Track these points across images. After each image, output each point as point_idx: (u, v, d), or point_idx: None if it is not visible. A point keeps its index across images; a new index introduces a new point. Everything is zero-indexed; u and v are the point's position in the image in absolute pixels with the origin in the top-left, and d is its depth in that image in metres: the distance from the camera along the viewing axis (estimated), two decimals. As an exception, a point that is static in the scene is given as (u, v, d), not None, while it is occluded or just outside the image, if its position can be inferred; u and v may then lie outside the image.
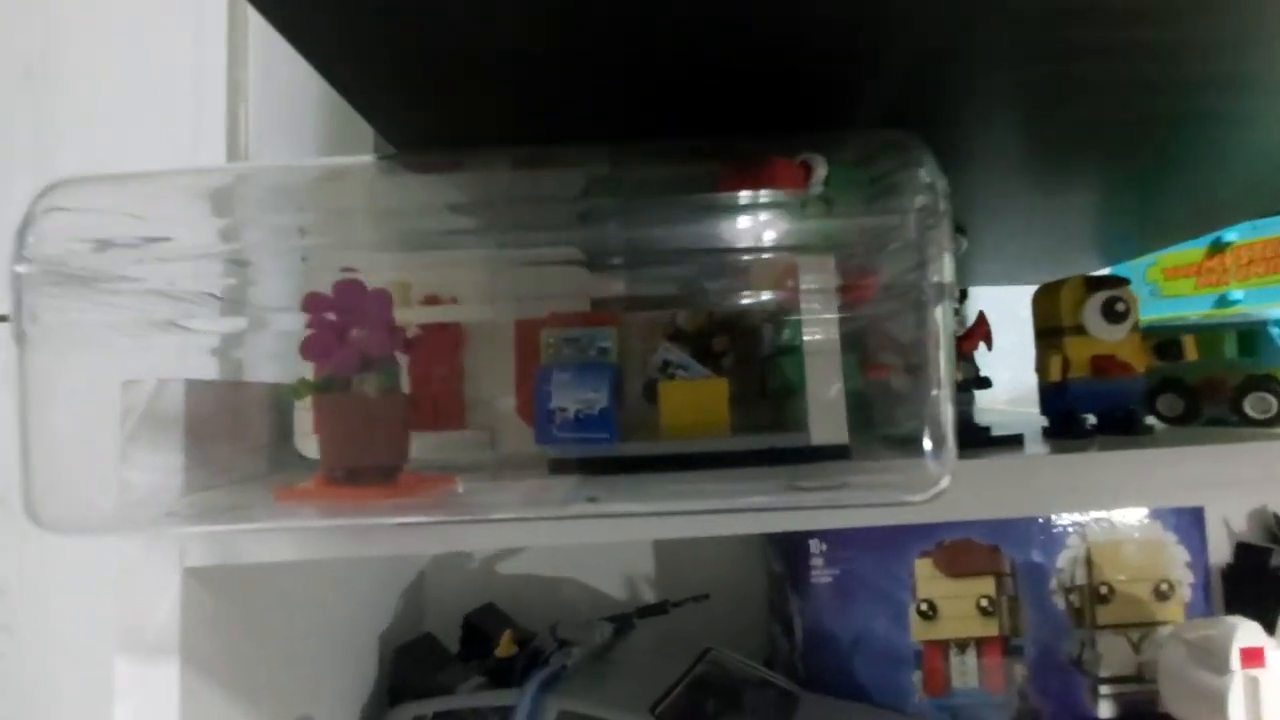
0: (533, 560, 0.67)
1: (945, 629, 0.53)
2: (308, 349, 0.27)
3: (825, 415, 0.25)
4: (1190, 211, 0.42)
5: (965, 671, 0.53)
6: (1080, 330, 0.37)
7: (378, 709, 0.51)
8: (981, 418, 0.38)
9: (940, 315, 0.22)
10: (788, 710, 0.47)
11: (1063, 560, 0.54)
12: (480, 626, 0.58)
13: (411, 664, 0.51)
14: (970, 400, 0.37)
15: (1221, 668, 0.41)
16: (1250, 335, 0.38)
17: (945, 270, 0.21)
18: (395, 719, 0.48)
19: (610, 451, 0.25)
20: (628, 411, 0.28)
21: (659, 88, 0.26)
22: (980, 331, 0.38)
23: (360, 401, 0.26)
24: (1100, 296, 0.37)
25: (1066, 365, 0.37)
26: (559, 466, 0.25)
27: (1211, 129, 0.31)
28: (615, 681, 0.46)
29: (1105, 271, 0.57)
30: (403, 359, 0.31)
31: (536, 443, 0.24)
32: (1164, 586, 0.53)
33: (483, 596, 0.63)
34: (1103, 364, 0.37)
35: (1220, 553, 0.60)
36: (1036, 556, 0.54)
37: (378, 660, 0.53)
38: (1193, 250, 0.48)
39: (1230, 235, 0.46)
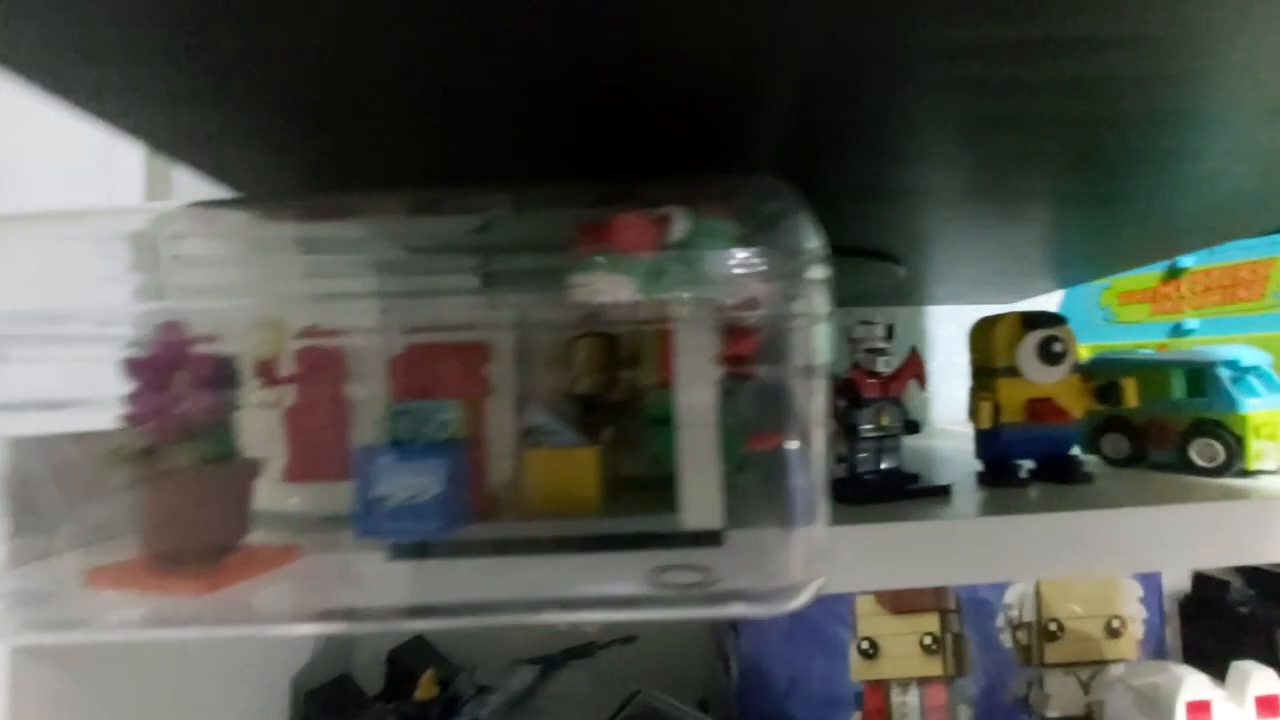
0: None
1: (887, 668, 0.50)
2: (130, 416, 0.24)
3: (697, 495, 0.22)
4: (1140, 239, 0.39)
5: (907, 712, 0.51)
6: (1014, 371, 0.34)
7: (285, 757, 0.48)
8: (935, 441, 0.36)
9: (811, 394, 0.19)
10: (714, 759, 0.45)
11: (1011, 596, 0.51)
12: (404, 664, 0.55)
13: (321, 709, 0.49)
14: (897, 447, 0.35)
15: (1166, 721, 0.38)
16: (1198, 376, 0.35)
17: (812, 347, 0.18)
18: (301, 770, 0.45)
19: (455, 537, 0.22)
20: (498, 487, 0.25)
21: (540, 132, 0.23)
22: (909, 371, 0.35)
23: (172, 475, 0.23)
24: (1035, 337, 0.34)
25: (998, 411, 0.34)
26: (400, 552, 0.22)
27: (1153, 162, 0.28)
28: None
29: (1059, 294, 0.55)
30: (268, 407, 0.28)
31: (356, 535, 0.21)
32: (1115, 623, 0.51)
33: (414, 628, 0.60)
34: (1038, 408, 0.34)
35: (1179, 583, 0.58)
36: (984, 592, 0.51)
37: (290, 704, 0.50)
38: (1148, 275, 0.45)
39: (1186, 260, 0.43)
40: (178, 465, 0.24)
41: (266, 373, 0.28)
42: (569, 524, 0.22)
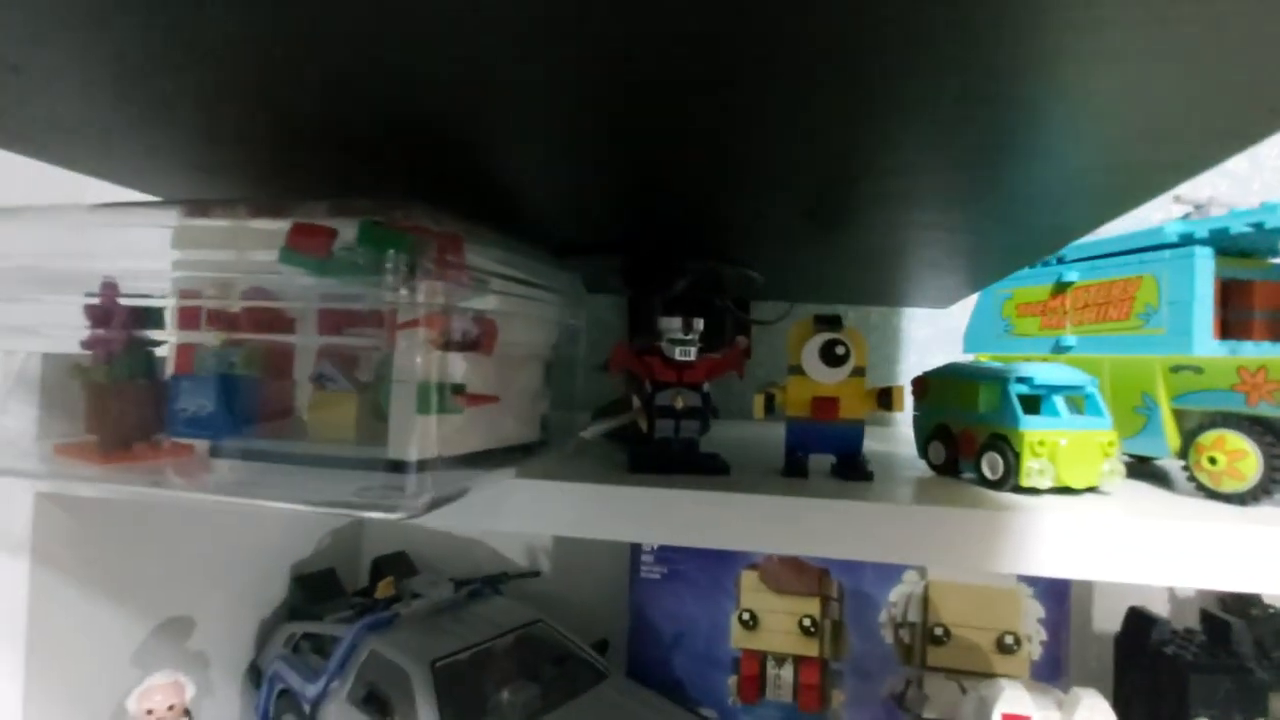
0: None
1: (764, 641, 0.54)
2: (83, 344, 0.36)
3: (398, 434, 0.29)
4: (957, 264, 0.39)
5: (780, 685, 0.54)
6: (802, 370, 0.37)
7: (277, 622, 0.61)
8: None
9: (412, 347, 0.26)
10: (583, 686, 0.51)
11: (896, 595, 0.53)
12: (384, 568, 0.67)
13: (305, 592, 0.62)
14: (695, 428, 0.39)
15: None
16: (997, 391, 0.35)
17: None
18: (277, 633, 0.58)
19: (241, 445, 0.31)
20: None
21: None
22: (723, 363, 0.39)
23: (95, 386, 0.34)
24: (819, 339, 0.36)
25: (769, 403, 0.37)
26: (214, 452, 0.32)
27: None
28: (428, 634, 0.52)
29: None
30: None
31: (166, 432, 0.31)
32: (1009, 639, 0.50)
33: (412, 543, 0.73)
34: (821, 406, 0.37)
35: (1115, 617, 0.54)
36: (868, 587, 0.53)
37: (287, 586, 0.64)
38: (1041, 288, 0.44)
39: (1071, 275, 0.41)
40: (104, 379, 0.35)
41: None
42: (311, 445, 0.31)
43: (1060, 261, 0.43)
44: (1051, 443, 0.33)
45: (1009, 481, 0.34)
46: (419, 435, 0.29)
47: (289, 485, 0.30)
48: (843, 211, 0.36)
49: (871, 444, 0.50)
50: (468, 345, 0.32)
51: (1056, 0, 0.17)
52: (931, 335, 0.68)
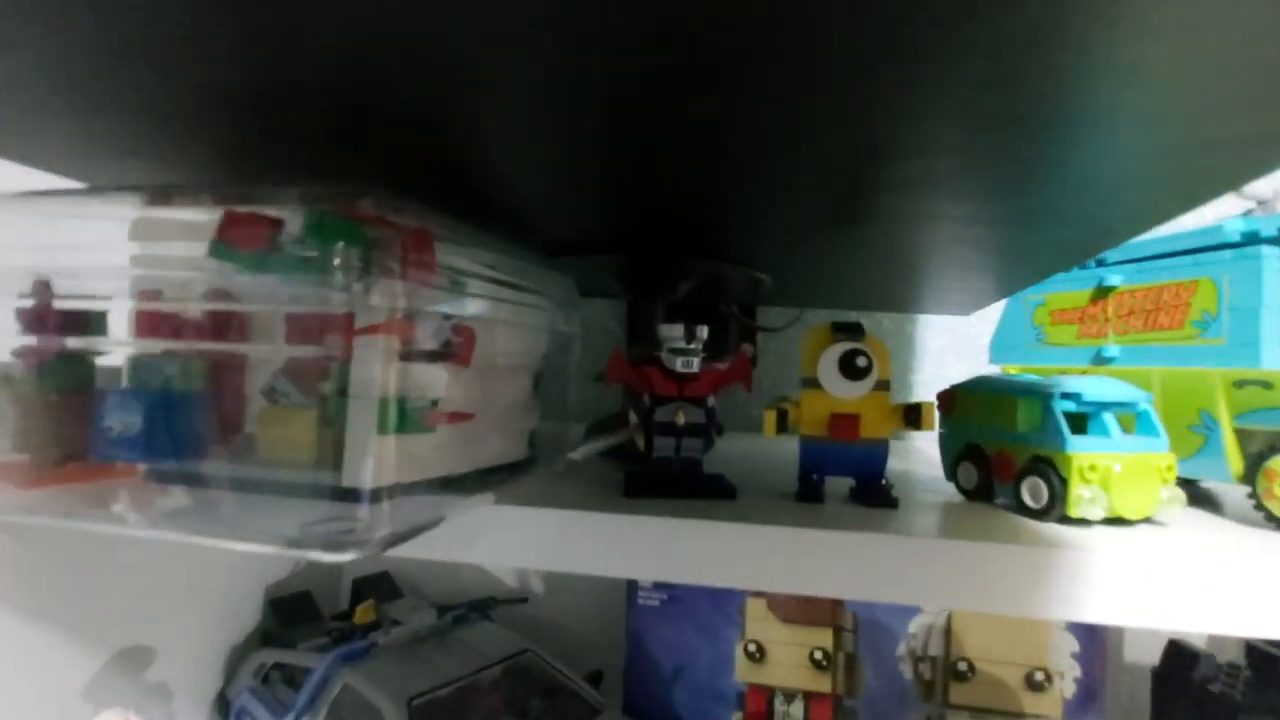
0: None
1: (772, 675, 0.50)
2: (13, 352, 0.32)
3: (355, 458, 0.25)
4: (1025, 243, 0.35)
5: (789, 723, 0.50)
6: (818, 383, 0.33)
7: (249, 649, 0.57)
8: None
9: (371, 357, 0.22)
10: (574, 722, 0.47)
11: (916, 626, 0.48)
12: (364, 592, 0.63)
13: (279, 616, 0.58)
14: (698, 446, 0.35)
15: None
16: (1038, 407, 0.31)
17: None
18: (247, 662, 0.54)
19: (178, 469, 0.27)
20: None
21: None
22: (729, 375, 0.35)
23: (23, 400, 0.30)
24: (838, 349, 0.32)
25: (783, 420, 0.33)
26: (151, 475, 0.28)
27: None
28: (407, 666, 0.48)
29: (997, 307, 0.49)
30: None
31: (90, 453, 0.27)
32: (1039, 676, 0.46)
33: (397, 564, 0.68)
34: (840, 424, 0.33)
35: (1153, 650, 0.50)
36: (884, 617, 0.49)
37: (261, 609, 0.60)
38: (1079, 293, 0.40)
39: (1114, 278, 0.37)
40: (33, 392, 0.31)
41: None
42: (256, 470, 0.27)
43: (1101, 264, 0.39)
44: (1104, 467, 0.29)
45: (1055, 510, 0.30)
46: (376, 459, 0.25)
47: (225, 518, 0.26)
48: (859, 204, 0.32)
49: (890, 462, 0.46)
50: (440, 355, 0.28)
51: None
52: (948, 344, 0.64)
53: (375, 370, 0.24)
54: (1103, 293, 0.38)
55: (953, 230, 0.35)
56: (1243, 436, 0.32)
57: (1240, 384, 0.32)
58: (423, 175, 0.32)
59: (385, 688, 0.45)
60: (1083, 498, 0.29)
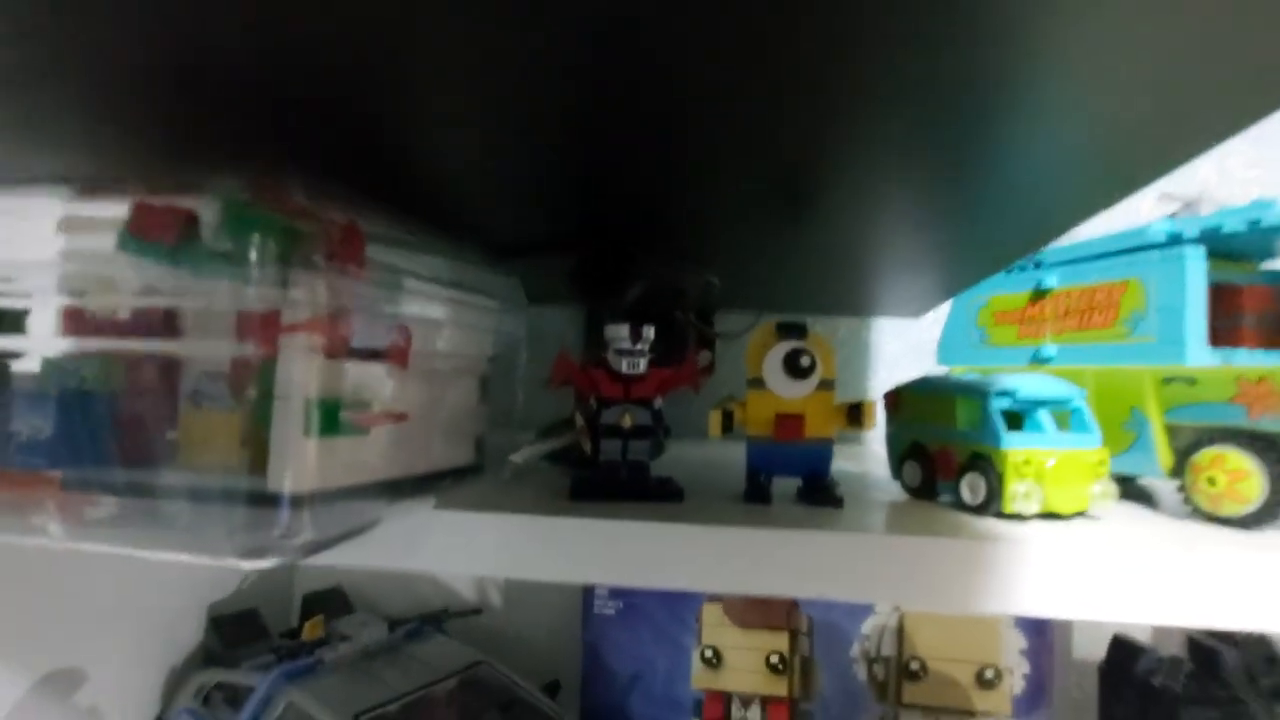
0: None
1: (729, 680, 0.50)
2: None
3: (279, 462, 0.24)
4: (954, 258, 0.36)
5: (747, 729, 0.49)
6: (763, 383, 0.33)
7: (190, 670, 0.55)
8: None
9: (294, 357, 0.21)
10: (528, 737, 0.46)
11: (869, 627, 0.49)
12: (314, 608, 0.61)
13: (222, 635, 0.55)
14: (646, 449, 0.34)
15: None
16: (976, 406, 0.32)
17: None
18: (186, 683, 0.52)
19: (94, 476, 0.26)
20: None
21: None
22: (676, 377, 0.35)
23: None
24: (782, 349, 0.33)
25: (729, 421, 0.33)
26: (68, 483, 0.27)
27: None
28: (355, 682, 0.47)
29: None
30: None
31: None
32: (989, 673, 0.47)
33: (349, 578, 0.67)
34: (785, 424, 0.33)
35: (1099, 646, 0.51)
36: (839, 619, 0.49)
37: (202, 627, 0.57)
38: (1019, 295, 0.41)
39: (1050, 280, 0.39)
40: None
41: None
42: (176, 476, 0.26)
43: (1038, 266, 0.40)
44: (1038, 463, 0.30)
45: (992, 506, 0.31)
46: (298, 463, 0.24)
47: (148, 527, 0.25)
48: (804, 203, 0.32)
49: (841, 463, 0.47)
50: (374, 355, 0.27)
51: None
52: (902, 349, 0.65)
53: (299, 371, 0.23)
54: (1040, 294, 0.39)
55: (896, 226, 0.35)
56: (1172, 432, 0.33)
57: (1168, 381, 0.33)
58: (361, 172, 0.32)
59: (330, 705, 0.43)
60: (1017, 493, 0.30)
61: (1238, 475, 0.30)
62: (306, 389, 0.23)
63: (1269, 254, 0.34)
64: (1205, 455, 0.31)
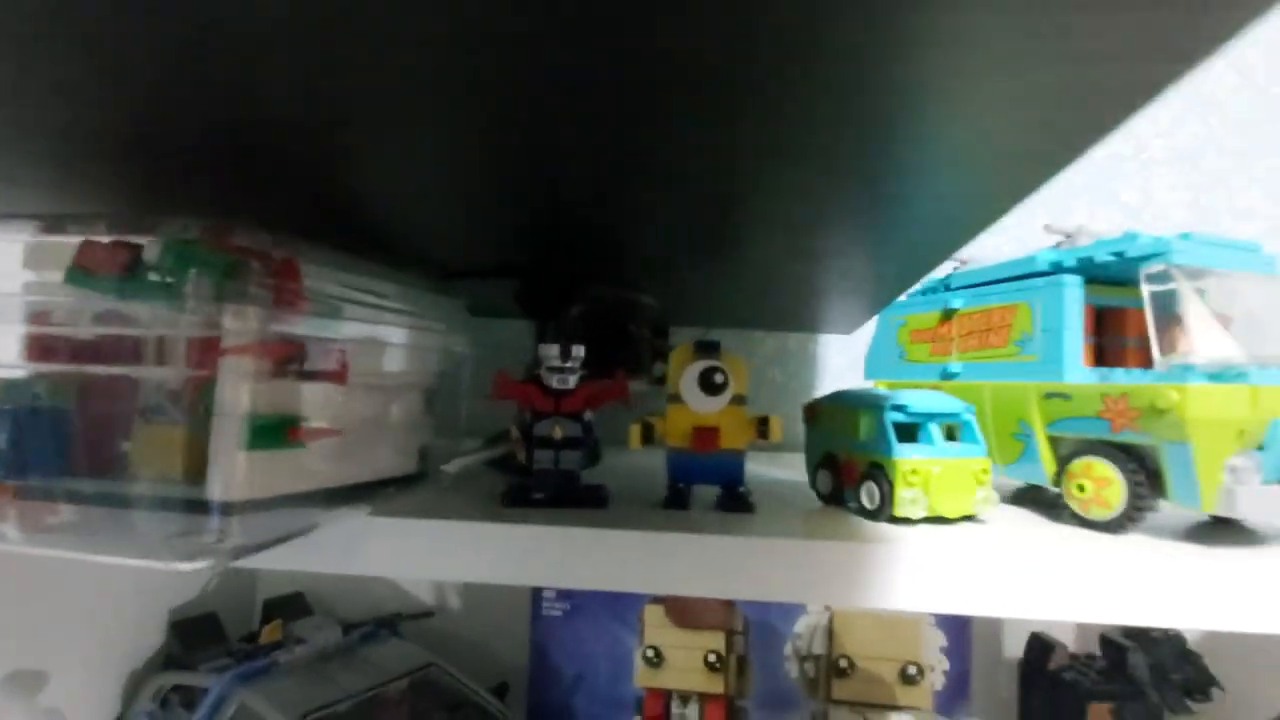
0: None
1: (669, 679, 0.52)
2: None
3: (214, 474, 0.27)
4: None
5: (686, 725, 0.52)
6: (681, 399, 0.36)
7: (150, 673, 0.56)
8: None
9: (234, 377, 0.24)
10: (475, 735, 0.49)
11: (802, 626, 0.51)
12: (274, 612, 0.63)
13: (183, 639, 0.57)
14: (575, 459, 0.37)
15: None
16: (874, 419, 0.35)
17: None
18: (146, 686, 0.53)
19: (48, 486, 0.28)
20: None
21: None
22: (606, 392, 0.38)
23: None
24: (697, 367, 0.35)
25: (649, 433, 0.36)
26: (21, 492, 0.29)
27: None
28: (307, 683, 0.49)
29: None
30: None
31: None
32: (911, 670, 0.50)
33: (310, 583, 0.68)
34: (702, 436, 0.36)
35: (1019, 643, 0.54)
36: (773, 619, 0.52)
37: (164, 632, 0.59)
38: (931, 314, 0.44)
39: (956, 302, 0.42)
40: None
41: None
42: (122, 485, 0.28)
43: (948, 289, 0.44)
44: (924, 471, 0.33)
45: (885, 511, 0.33)
46: (230, 474, 0.26)
47: (96, 533, 0.27)
48: (727, 231, 0.35)
49: (777, 471, 0.49)
50: (310, 374, 0.30)
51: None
52: (847, 362, 0.68)
53: (236, 390, 0.26)
54: (948, 315, 0.42)
55: (815, 251, 0.38)
56: (1054, 443, 0.36)
57: (1049, 396, 0.36)
58: (313, 212, 0.34)
59: (280, 706, 0.45)
60: (905, 499, 0.33)
61: (1103, 483, 0.33)
62: (240, 407, 0.26)
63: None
64: (1078, 464, 0.34)
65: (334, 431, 0.30)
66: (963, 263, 0.43)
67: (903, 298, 0.48)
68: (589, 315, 0.48)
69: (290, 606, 0.64)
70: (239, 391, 0.26)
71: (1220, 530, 0.33)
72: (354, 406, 0.33)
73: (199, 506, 0.26)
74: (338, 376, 0.31)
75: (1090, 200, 0.68)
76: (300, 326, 0.28)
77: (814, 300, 0.47)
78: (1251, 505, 0.29)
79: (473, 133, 0.24)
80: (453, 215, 0.35)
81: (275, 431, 0.28)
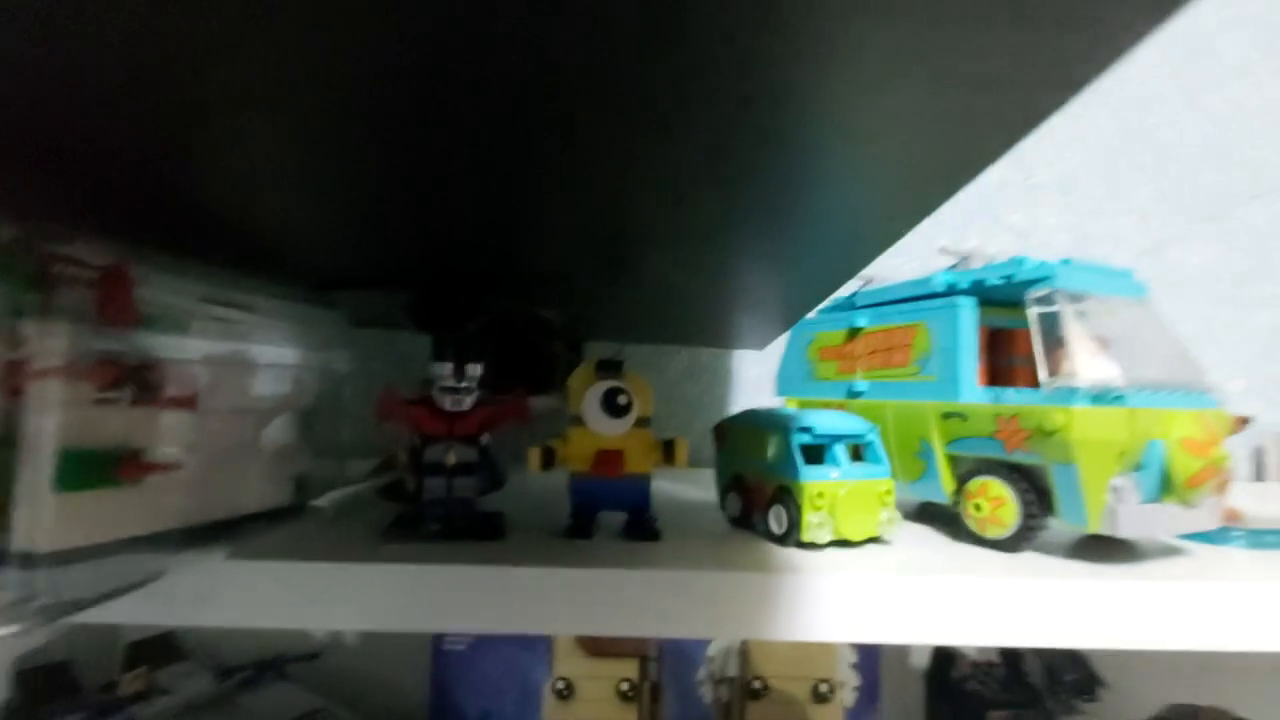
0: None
1: (581, 712, 0.50)
2: None
3: (20, 520, 0.23)
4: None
5: (596, 759, 0.50)
6: (584, 421, 0.34)
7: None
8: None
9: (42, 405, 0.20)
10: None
11: (715, 649, 0.50)
12: (140, 658, 0.56)
13: (28, 691, 0.50)
14: (470, 486, 0.34)
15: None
16: (781, 440, 0.34)
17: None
18: (-26, 752, 0.46)
19: None
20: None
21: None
22: (501, 413, 0.35)
23: None
24: (600, 388, 0.34)
25: (550, 457, 0.34)
26: None
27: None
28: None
29: None
30: None
31: None
32: (823, 687, 0.49)
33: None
34: (605, 460, 0.34)
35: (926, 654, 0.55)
36: (685, 643, 0.50)
37: (7, 682, 0.51)
38: (838, 332, 0.44)
39: (862, 320, 0.42)
40: None
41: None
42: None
43: (854, 307, 0.44)
44: (831, 494, 0.32)
45: (792, 536, 0.33)
46: (36, 519, 0.22)
47: None
48: (618, 249, 0.34)
49: (686, 488, 0.48)
50: (151, 399, 0.26)
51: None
52: (761, 375, 0.69)
53: (43, 421, 0.22)
54: (854, 333, 0.43)
55: (715, 262, 0.37)
56: (954, 461, 0.37)
57: (947, 416, 0.36)
58: (160, 217, 0.30)
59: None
60: (812, 523, 0.32)
61: (998, 502, 0.33)
62: (47, 440, 0.22)
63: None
64: (974, 483, 0.34)
65: (172, 465, 0.26)
66: (868, 281, 0.43)
67: (812, 315, 0.48)
68: (491, 330, 0.46)
69: (158, 651, 0.58)
70: (45, 421, 0.22)
71: (1105, 546, 0.34)
72: (211, 434, 0.29)
73: (4, 559, 0.22)
74: (186, 401, 0.27)
75: (985, 224, 0.71)
76: (134, 345, 0.24)
77: (724, 315, 0.46)
78: (1132, 524, 0.30)
79: (334, 125, 0.21)
80: (325, 220, 0.32)
81: (97, 467, 0.24)
